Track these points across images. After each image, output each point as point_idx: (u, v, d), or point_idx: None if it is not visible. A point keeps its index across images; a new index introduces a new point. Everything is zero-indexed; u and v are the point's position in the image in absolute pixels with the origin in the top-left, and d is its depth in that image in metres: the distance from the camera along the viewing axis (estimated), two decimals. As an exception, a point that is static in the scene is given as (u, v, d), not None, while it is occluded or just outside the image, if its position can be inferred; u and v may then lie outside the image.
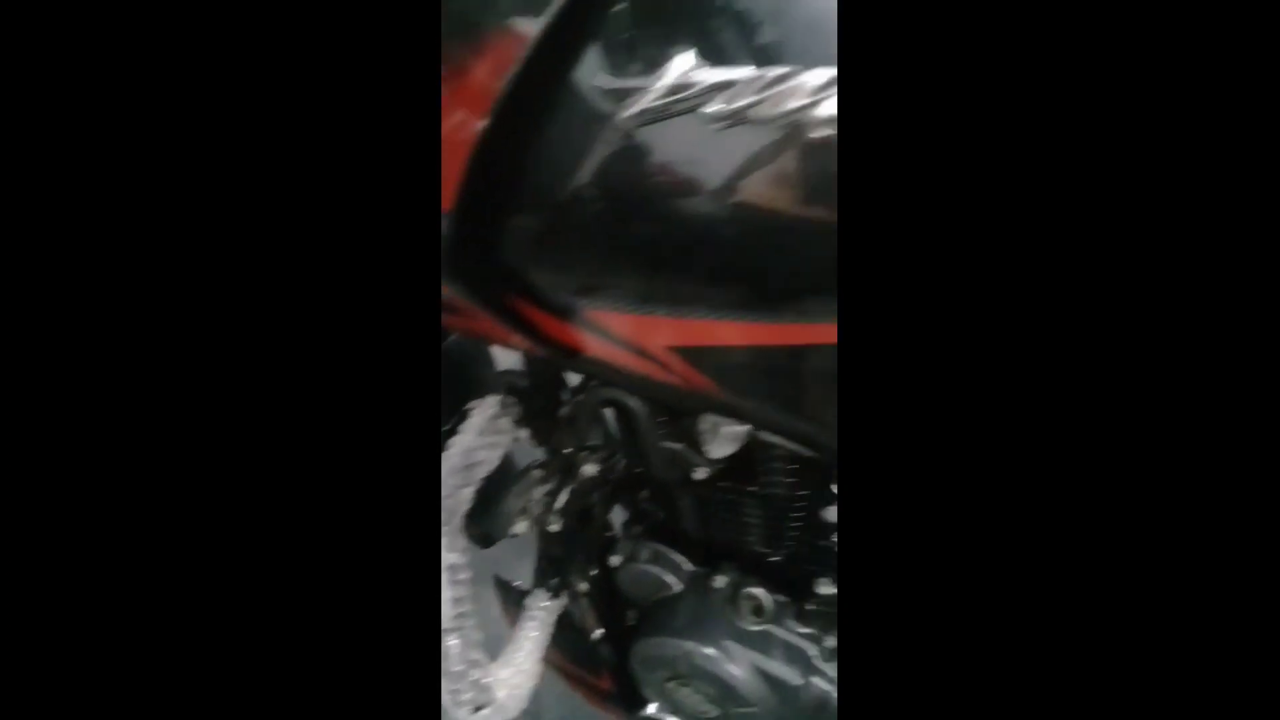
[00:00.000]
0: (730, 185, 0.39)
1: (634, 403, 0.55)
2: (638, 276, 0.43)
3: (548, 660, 0.83)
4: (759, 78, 0.36)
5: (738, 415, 0.51)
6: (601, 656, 0.78)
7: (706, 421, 0.54)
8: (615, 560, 0.72)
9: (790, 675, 0.63)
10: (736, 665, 0.64)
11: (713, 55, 0.38)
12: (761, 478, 0.59)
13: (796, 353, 0.40)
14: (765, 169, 0.37)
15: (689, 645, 0.65)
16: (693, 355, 0.42)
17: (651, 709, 0.79)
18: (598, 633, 0.76)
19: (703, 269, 0.41)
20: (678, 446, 0.60)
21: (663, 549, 0.71)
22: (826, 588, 0.65)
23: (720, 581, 0.67)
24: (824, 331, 0.39)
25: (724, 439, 0.54)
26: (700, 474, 0.60)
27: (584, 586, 0.76)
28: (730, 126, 0.37)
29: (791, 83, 0.36)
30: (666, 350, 0.42)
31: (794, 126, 0.36)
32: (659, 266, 0.42)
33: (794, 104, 0.36)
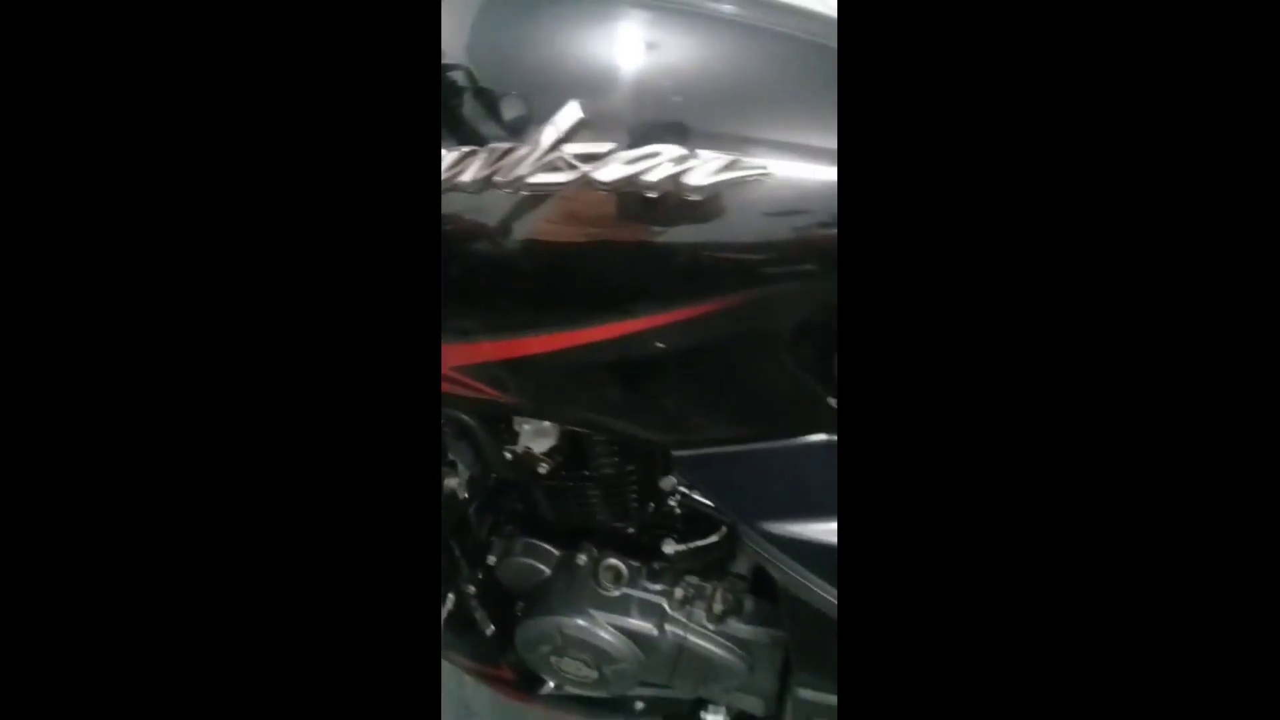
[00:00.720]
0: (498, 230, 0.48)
1: (467, 419, 0.64)
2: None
3: (454, 662, 0.91)
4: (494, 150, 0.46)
5: (536, 415, 0.61)
6: (498, 650, 0.86)
7: (519, 424, 0.64)
8: (493, 559, 0.81)
9: (648, 628, 0.74)
10: (602, 629, 0.74)
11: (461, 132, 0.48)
12: (591, 463, 0.70)
13: (555, 356, 0.50)
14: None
15: (559, 619, 0.74)
16: (471, 372, 0.52)
17: (550, 686, 0.88)
18: (489, 629, 0.85)
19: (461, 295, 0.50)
20: (517, 449, 0.69)
21: (532, 540, 0.80)
22: (670, 546, 0.76)
23: (582, 559, 0.76)
24: (581, 336, 0.49)
25: (540, 435, 0.63)
26: (543, 469, 0.70)
27: (471, 589, 0.85)
28: (482, 190, 0.47)
29: (519, 153, 0.46)
30: (453, 369, 0.52)
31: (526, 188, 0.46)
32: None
33: (522, 170, 0.45)
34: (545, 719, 1.21)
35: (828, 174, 0.44)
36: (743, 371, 0.50)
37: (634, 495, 0.74)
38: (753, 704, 0.80)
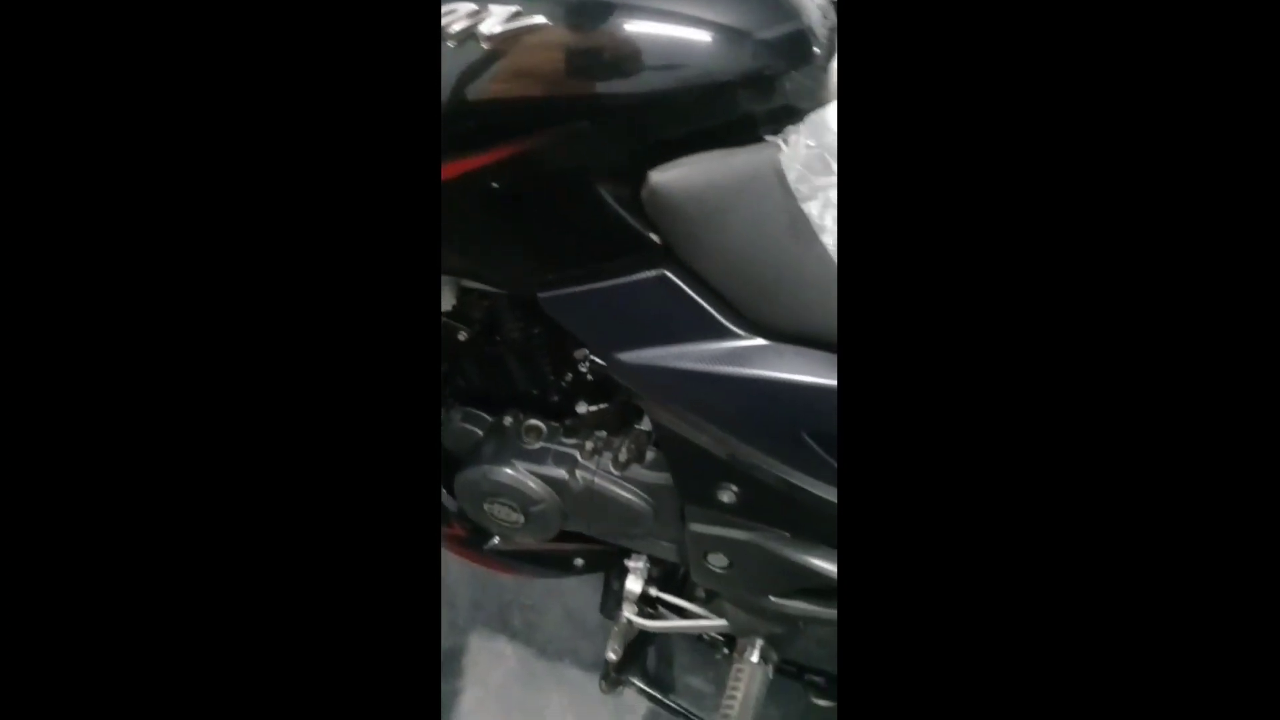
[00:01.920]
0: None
1: None
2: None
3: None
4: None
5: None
6: (449, 510, 0.98)
7: None
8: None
9: (561, 474, 0.85)
10: (523, 475, 0.86)
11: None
12: (502, 331, 0.80)
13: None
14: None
15: (486, 468, 0.86)
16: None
17: (495, 541, 1.01)
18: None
19: None
20: (441, 318, 0.80)
21: (468, 409, 0.92)
22: (582, 407, 0.86)
23: (508, 420, 0.88)
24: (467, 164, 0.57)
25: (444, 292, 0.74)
26: (462, 336, 0.81)
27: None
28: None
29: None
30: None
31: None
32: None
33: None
34: (515, 589, 1.36)
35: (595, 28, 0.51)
36: (566, 210, 0.59)
37: (548, 363, 0.85)
38: (666, 550, 0.92)
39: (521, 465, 0.86)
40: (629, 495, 0.85)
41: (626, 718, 1.22)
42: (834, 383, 0.58)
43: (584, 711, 1.23)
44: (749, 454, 0.69)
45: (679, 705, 1.20)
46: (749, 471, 0.72)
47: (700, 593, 0.98)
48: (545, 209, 0.59)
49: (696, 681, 1.25)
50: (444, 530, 1.02)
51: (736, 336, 0.60)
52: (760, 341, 0.60)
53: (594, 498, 0.86)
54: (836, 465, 0.63)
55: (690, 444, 0.71)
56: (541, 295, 0.65)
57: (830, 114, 0.58)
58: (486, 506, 0.90)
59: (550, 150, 0.55)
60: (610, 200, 0.57)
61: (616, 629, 0.97)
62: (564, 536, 0.97)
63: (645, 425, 0.87)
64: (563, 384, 0.89)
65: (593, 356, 0.75)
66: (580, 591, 1.36)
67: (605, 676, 1.23)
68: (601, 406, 0.87)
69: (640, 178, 0.58)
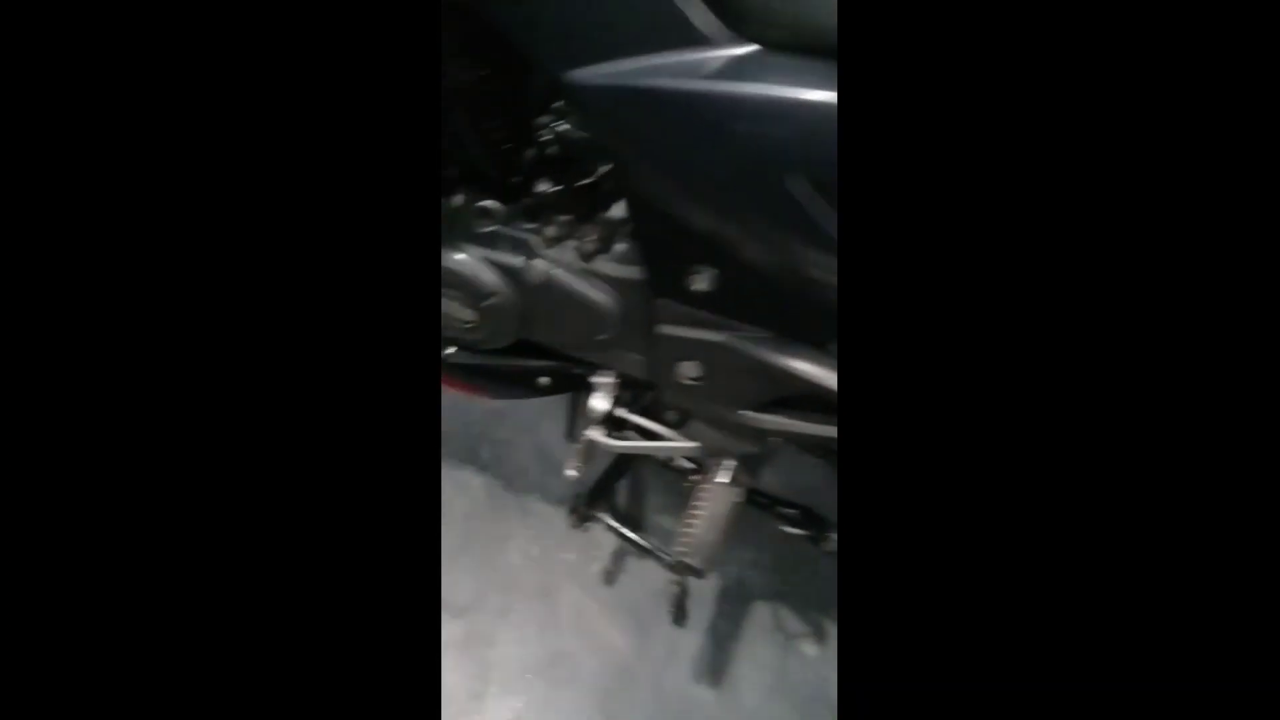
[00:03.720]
0: None
1: None
2: None
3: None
4: None
5: None
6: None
7: None
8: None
9: (517, 261, 0.75)
10: (471, 259, 0.75)
11: None
12: (449, 69, 0.67)
13: None
14: None
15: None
16: None
17: (451, 352, 0.92)
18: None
19: None
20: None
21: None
22: (544, 185, 0.74)
23: (458, 199, 0.76)
24: None
25: None
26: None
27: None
28: None
29: None
30: None
31: None
32: None
33: None
34: (484, 422, 1.29)
35: None
36: None
37: (502, 129, 0.72)
38: (635, 364, 0.82)
39: (473, 250, 0.75)
40: (593, 291, 0.75)
41: (593, 553, 1.18)
42: (835, 99, 0.45)
43: (549, 545, 1.18)
44: (731, 222, 0.58)
45: (648, 543, 1.15)
46: (730, 250, 0.61)
47: (671, 417, 0.90)
48: None
49: (668, 521, 1.20)
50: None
51: (721, 43, 0.47)
52: (751, 48, 0.47)
53: (553, 292, 0.76)
54: (836, 230, 0.52)
55: (663, 214, 0.60)
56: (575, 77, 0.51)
57: None
58: (443, 300, 0.80)
59: None
60: None
61: (578, 447, 0.89)
62: (527, 353, 0.88)
63: (614, 212, 0.75)
64: (522, 159, 0.77)
65: (551, 80, 0.61)
66: (551, 428, 1.30)
67: (573, 510, 1.18)
68: (565, 187, 0.75)
69: None
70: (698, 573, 0.82)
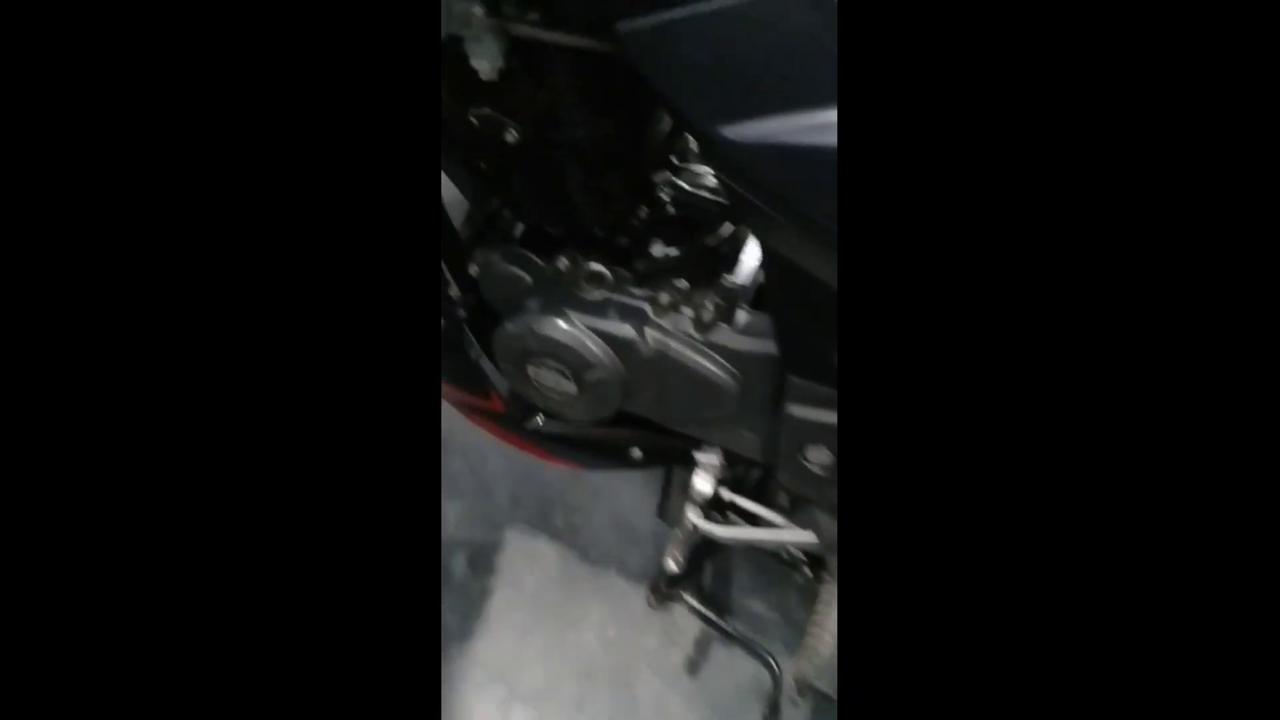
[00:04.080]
0: None
1: None
2: None
3: (448, 399, 0.88)
4: None
5: None
6: (485, 374, 0.82)
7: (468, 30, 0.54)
8: (474, 270, 0.75)
9: (628, 332, 0.67)
10: (578, 330, 0.67)
11: None
12: (565, 123, 0.61)
13: None
14: None
15: (533, 319, 0.68)
16: None
17: (539, 420, 0.84)
18: (475, 351, 0.80)
19: None
20: (483, 111, 0.61)
21: (515, 248, 0.73)
22: (660, 249, 0.67)
23: (564, 263, 0.69)
24: None
25: (484, 47, 0.54)
26: (511, 137, 0.62)
27: (461, 313, 0.80)
28: None
29: None
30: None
31: None
32: None
33: None
34: (559, 486, 1.21)
35: None
36: None
37: (619, 186, 0.65)
38: (748, 443, 0.73)
39: (578, 318, 0.68)
40: (711, 365, 0.66)
41: (675, 638, 1.07)
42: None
43: (626, 626, 1.08)
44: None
45: (737, 630, 1.05)
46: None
47: (783, 500, 0.81)
48: None
49: (758, 605, 1.09)
50: (478, 403, 0.86)
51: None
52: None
53: (666, 366, 0.67)
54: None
55: (810, 280, 0.52)
56: (624, 27, 0.45)
57: None
58: (531, 371, 0.73)
59: None
60: None
61: (679, 534, 0.80)
62: (621, 422, 0.80)
63: (738, 278, 0.67)
64: (636, 218, 0.70)
65: (691, 139, 0.55)
66: (631, 494, 1.21)
67: (654, 589, 1.08)
68: (683, 250, 0.68)
69: None
70: (826, 696, 0.71)
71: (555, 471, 1.21)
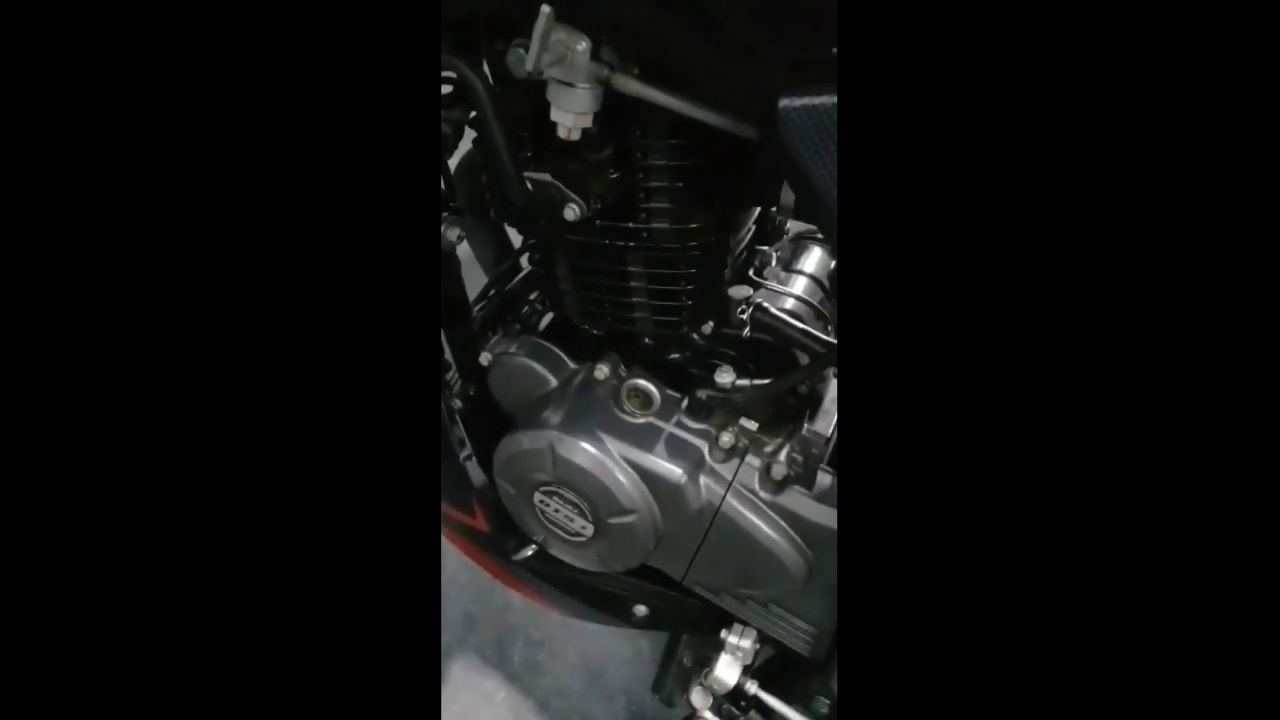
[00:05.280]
0: None
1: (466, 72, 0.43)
2: None
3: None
4: None
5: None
6: (472, 485, 0.65)
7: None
8: (486, 359, 0.60)
9: (675, 473, 0.52)
10: (610, 459, 0.52)
11: None
12: (640, 210, 0.47)
13: None
14: None
15: (555, 434, 0.53)
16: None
17: (529, 550, 0.67)
18: (466, 454, 0.64)
19: None
20: (543, 177, 0.48)
21: (540, 340, 0.59)
22: (725, 376, 0.53)
23: (603, 371, 0.55)
24: None
25: (576, 97, 0.41)
26: (571, 214, 0.48)
27: (457, 403, 0.64)
28: None
29: None
30: None
31: None
32: None
33: None
34: (524, 614, 1.02)
35: None
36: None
37: (688, 286, 0.52)
38: (799, 635, 0.57)
39: (612, 444, 0.53)
40: (775, 534, 0.51)
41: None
42: None
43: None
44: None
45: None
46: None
47: (821, 707, 0.64)
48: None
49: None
50: (457, 516, 0.69)
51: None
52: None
53: (718, 525, 0.52)
54: None
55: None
56: (785, 104, 0.33)
57: None
58: (539, 499, 0.57)
59: None
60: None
61: (681, 729, 0.63)
62: (631, 569, 0.63)
63: (822, 429, 0.53)
64: (700, 334, 0.56)
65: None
66: (607, 635, 1.02)
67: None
68: (761, 382, 0.54)
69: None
70: None
71: (530, 602, 1.02)
